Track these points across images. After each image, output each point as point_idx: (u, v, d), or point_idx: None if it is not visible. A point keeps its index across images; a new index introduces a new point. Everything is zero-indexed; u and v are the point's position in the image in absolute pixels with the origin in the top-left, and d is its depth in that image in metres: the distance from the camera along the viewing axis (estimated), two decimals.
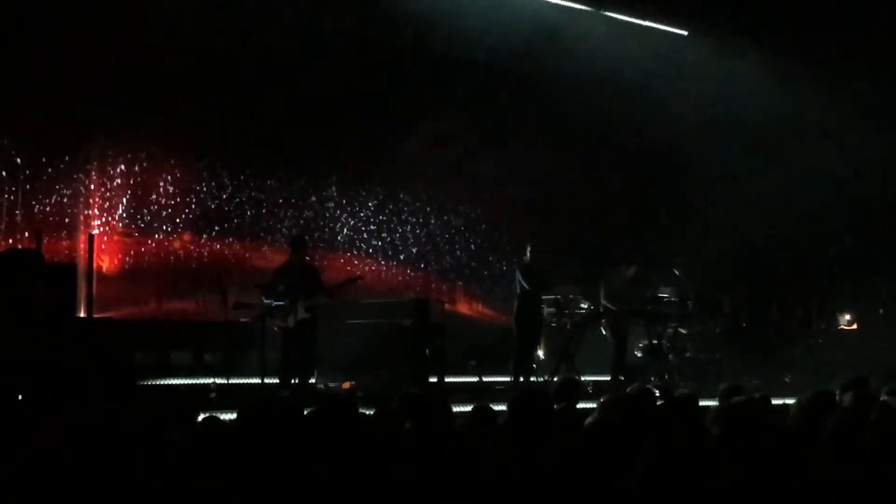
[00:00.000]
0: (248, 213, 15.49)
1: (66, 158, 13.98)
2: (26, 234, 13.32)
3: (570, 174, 17.00)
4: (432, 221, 17.20)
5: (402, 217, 16.98)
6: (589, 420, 6.19)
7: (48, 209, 13.82)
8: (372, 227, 16.68)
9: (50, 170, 13.84)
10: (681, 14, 16.54)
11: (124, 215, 14.46)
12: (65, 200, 13.98)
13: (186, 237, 14.98)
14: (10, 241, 13.22)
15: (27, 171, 13.59)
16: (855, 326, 16.93)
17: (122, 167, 14.48)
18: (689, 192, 17.65)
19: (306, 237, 13.74)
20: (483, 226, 17.51)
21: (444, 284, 17.19)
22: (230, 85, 14.19)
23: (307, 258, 12.64)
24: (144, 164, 14.65)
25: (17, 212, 13.46)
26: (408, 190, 16.86)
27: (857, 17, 15.55)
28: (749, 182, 16.98)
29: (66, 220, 13.94)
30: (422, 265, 17.08)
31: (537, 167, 16.75)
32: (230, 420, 6.22)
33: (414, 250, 17.02)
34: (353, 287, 12.68)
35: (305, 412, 5.35)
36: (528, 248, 13.08)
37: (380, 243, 16.75)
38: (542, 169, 16.78)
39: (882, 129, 15.97)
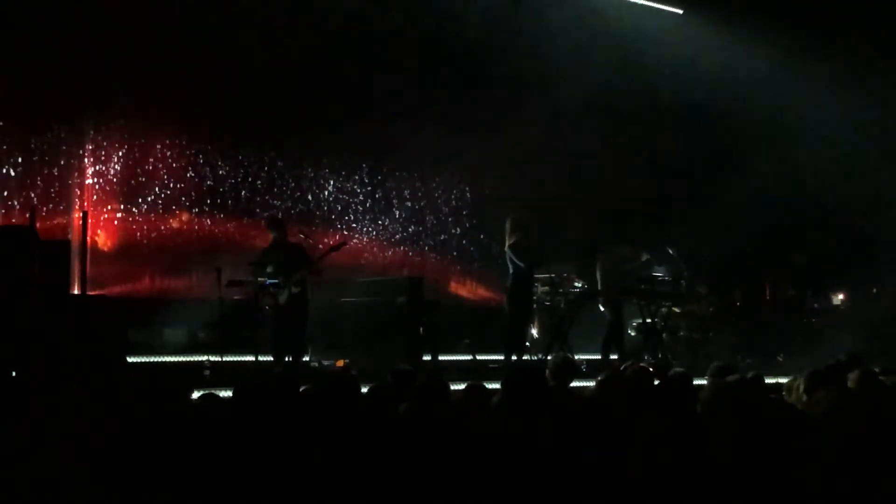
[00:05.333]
0: (243, 191, 15.47)
1: (61, 135, 13.92)
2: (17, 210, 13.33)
3: (564, 154, 16.97)
4: (426, 200, 17.17)
5: (396, 195, 16.95)
6: (586, 398, 6.21)
7: (42, 186, 13.77)
8: (366, 205, 16.66)
9: (44, 146, 13.78)
10: None
11: (118, 192, 14.44)
12: (59, 177, 13.93)
13: (181, 214, 14.94)
14: (5, 215, 13.22)
15: (21, 148, 13.54)
16: (848, 305, 16.96)
17: (117, 144, 14.43)
18: (685, 174, 17.70)
19: (280, 216, 13.78)
20: (477, 204, 17.49)
21: (438, 262, 17.18)
22: (226, 63, 14.13)
23: (300, 236, 12.63)
24: (139, 142, 14.59)
25: (14, 185, 13.47)
26: (402, 168, 16.82)
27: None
28: (745, 163, 17.00)
29: (61, 197, 13.89)
30: (416, 243, 17.07)
31: (531, 147, 16.72)
32: (226, 397, 6.23)
33: (408, 229, 17.01)
34: (341, 251, 12.74)
35: (303, 388, 5.36)
36: (509, 224, 12.94)
37: (374, 222, 16.73)
38: (537, 149, 16.75)
39: (880, 108, 16.04)
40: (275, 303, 11.93)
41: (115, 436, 4.66)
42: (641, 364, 8.82)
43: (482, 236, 17.27)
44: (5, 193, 13.44)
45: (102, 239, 14.17)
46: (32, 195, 13.61)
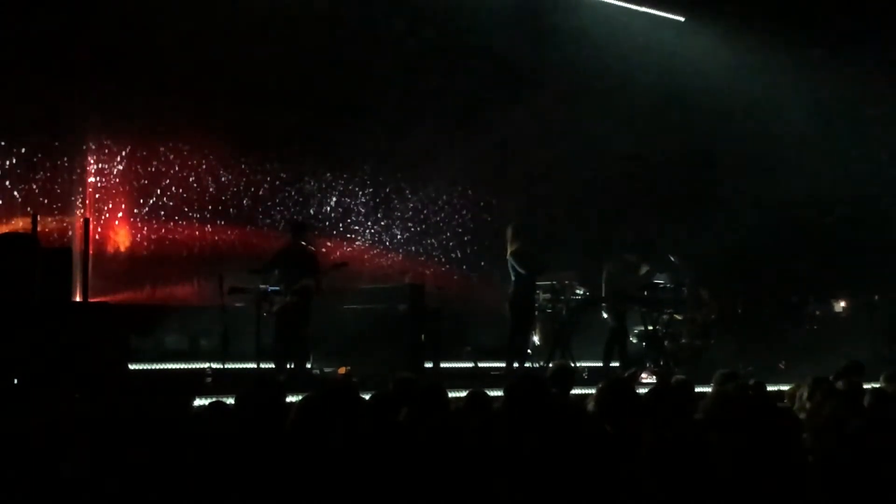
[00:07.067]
0: (245, 200, 15.47)
1: (64, 142, 13.94)
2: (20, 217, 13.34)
3: (567, 159, 16.97)
4: (428, 207, 17.17)
5: (398, 203, 16.95)
6: (588, 406, 6.21)
7: (44, 193, 13.78)
8: (368, 212, 16.66)
9: (46, 153, 13.80)
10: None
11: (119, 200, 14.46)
12: (61, 184, 13.95)
13: (183, 222, 14.95)
14: (6, 222, 13.23)
15: (23, 155, 13.56)
16: (850, 312, 16.94)
17: (120, 152, 14.45)
18: (686, 179, 17.72)
19: (306, 223, 13.78)
20: (479, 211, 17.48)
21: (439, 269, 17.17)
22: (228, 70, 14.16)
23: (305, 244, 12.63)
24: (142, 150, 14.61)
25: (15, 193, 13.48)
26: (403, 175, 16.83)
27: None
28: (747, 169, 17.02)
29: (62, 204, 13.90)
30: (418, 250, 17.06)
31: (533, 152, 16.74)
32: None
33: (409, 235, 17.01)
34: (341, 272, 12.74)
35: (304, 396, 5.36)
36: (511, 232, 12.91)
37: (375, 228, 16.73)
38: (539, 154, 16.76)
39: (885, 112, 16.06)
40: (275, 309, 11.91)
41: (116, 443, 4.66)
42: (643, 371, 8.83)
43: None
44: (6, 188, 13.46)
45: (104, 246, 14.17)
46: (37, 191, 13.65)
